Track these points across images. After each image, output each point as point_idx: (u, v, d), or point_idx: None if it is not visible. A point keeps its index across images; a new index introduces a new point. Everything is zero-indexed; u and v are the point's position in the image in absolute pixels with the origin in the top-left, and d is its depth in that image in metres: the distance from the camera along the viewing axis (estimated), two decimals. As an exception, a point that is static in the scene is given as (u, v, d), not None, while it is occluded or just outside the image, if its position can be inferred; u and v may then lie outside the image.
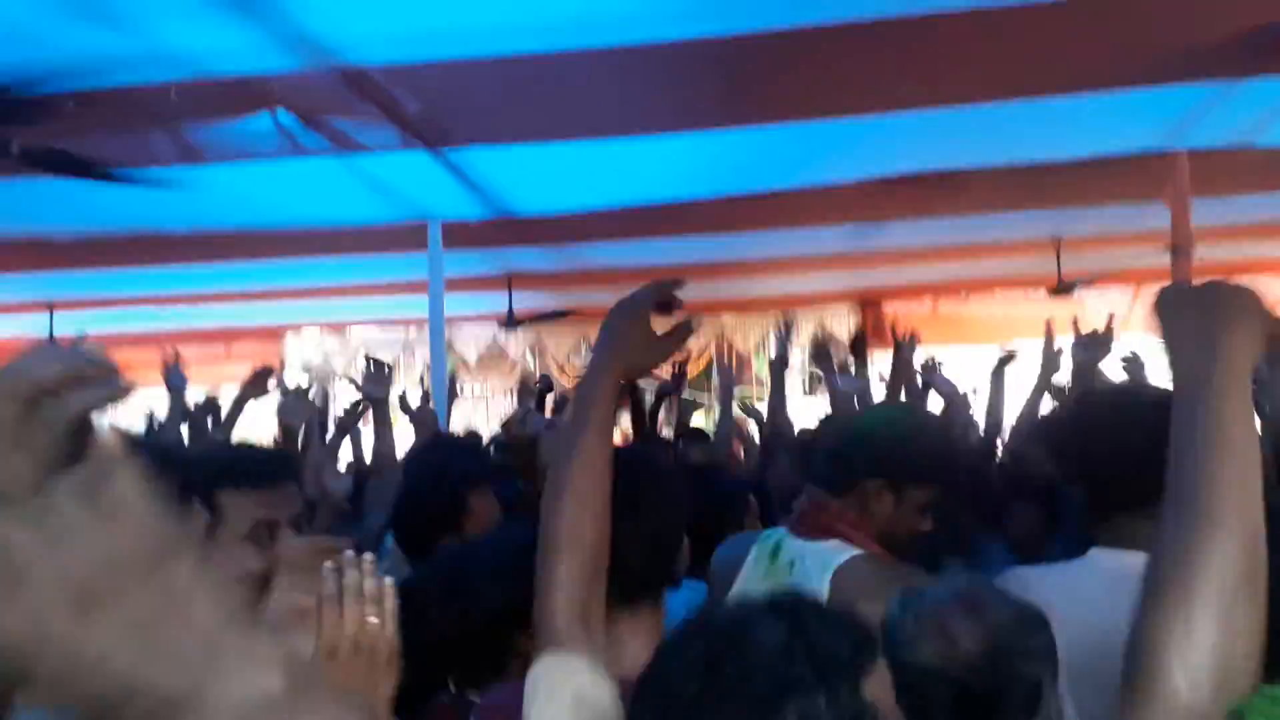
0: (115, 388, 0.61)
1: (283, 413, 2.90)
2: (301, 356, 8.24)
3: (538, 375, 3.38)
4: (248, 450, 1.76)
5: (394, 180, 3.91)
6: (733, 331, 7.98)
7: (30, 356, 0.62)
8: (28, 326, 6.82)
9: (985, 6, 2.55)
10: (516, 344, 8.09)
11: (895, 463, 1.75)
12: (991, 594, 1.33)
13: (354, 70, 2.75)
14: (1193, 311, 0.98)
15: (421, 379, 5.67)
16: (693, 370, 7.65)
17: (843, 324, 7.58)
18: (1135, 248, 5.23)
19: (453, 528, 2.16)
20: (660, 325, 1.32)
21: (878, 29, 2.67)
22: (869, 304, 7.59)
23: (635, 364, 1.30)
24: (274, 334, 8.29)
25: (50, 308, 6.32)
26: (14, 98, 2.55)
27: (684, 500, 1.44)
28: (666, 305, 1.34)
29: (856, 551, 1.71)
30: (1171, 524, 0.89)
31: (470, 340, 8.20)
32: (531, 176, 4.00)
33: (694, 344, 7.82)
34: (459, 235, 4.62)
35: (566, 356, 8.25)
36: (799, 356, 7.46)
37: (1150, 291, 1.09)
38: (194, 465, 1.55)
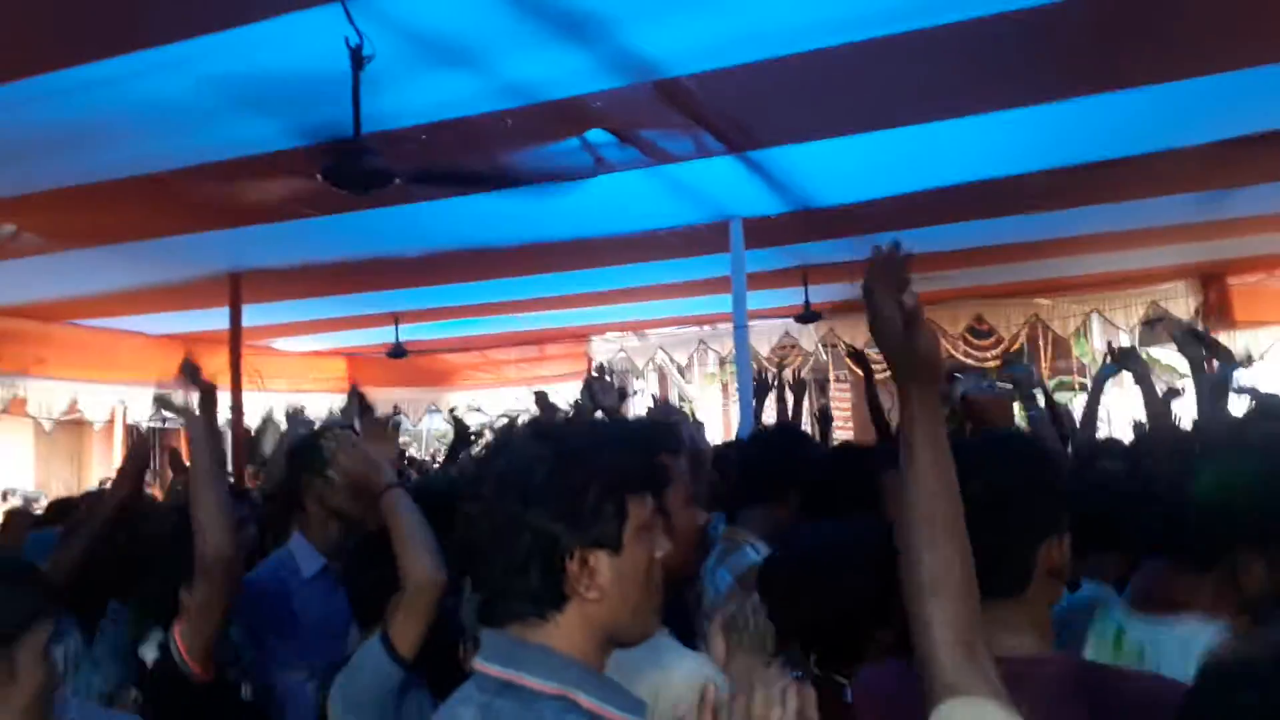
0: None
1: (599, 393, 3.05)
2: (605, 356, 8.66)
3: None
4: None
5: (697, 183, 4.00)
6: (1049, 315, 7.39)
7: None
8: (377, 337, 7.72)
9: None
10: (809, 336, 8.03)
11: (1273, 523, 1.49)
12: None
13: (666, 82, 2.84)
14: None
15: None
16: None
17: (1179, 303, 6.82)
18: None
19: None
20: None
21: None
22: (1210, 279, 6.79)
23: (927, 358, 1.12)
24: (581, 336, 8.81)
25: (396, 319, 7.10)
26: (375, 134, 2.85)
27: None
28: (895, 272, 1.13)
29: (1223, 628, 1.52)
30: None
31: (763, 334, 8.23)
32: (832, 168, 3.94)
33: (1006, 331, 7.35)
34: (755, 232, 4.64)
35: (863, 346, 8.05)
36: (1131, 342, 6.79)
37: None
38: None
